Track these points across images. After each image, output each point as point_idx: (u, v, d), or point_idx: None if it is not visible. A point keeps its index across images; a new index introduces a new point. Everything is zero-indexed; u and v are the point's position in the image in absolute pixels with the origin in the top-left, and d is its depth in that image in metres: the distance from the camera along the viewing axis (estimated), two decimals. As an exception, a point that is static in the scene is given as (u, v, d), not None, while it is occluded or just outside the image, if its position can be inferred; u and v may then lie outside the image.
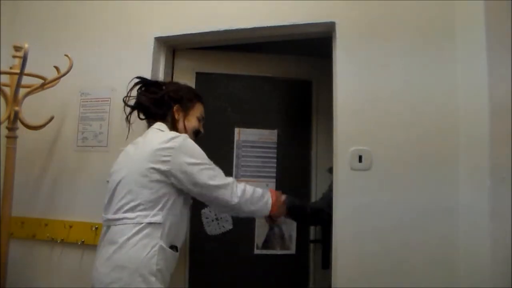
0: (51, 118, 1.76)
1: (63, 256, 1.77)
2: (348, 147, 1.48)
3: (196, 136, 1.47)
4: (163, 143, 1.27)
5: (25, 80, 1.60)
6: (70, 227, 1.74)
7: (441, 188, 1.39)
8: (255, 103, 2.07)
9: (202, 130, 1.51)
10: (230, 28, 1.67)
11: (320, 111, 2.08)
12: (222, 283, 1.96)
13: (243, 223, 1.95)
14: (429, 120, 1.42)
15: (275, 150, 2.03)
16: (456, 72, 1.41)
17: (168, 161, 1.25)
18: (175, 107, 1.43)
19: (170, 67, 1.93)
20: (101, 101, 1.80)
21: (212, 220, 1.51)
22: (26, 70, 1.54)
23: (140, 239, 1.21)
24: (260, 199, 1.39)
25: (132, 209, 1.24)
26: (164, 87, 1.47)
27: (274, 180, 2.00)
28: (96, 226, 1.68)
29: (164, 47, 1.84)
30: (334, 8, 1.56)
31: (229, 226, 1.53)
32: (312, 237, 2.02)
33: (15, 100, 1.63)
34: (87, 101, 1.82)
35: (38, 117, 1.75)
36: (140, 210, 1.24)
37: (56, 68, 1.72)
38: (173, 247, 1.30)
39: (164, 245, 1.24)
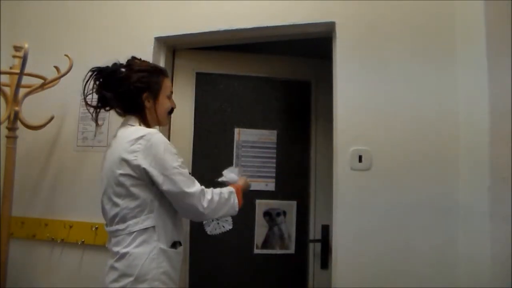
0: (51, 118, 1.76)
1: (63, 256, 1.77)
2: (348, 147, 1.48)
3: (170, 113, 1.42)
4: (129, 145, 1.20)
5: (25, 80, 1.60)
6: (70, 227, 1.74)
7: (441, 188, 1.39)
8: (255, 104, 2.07)
9: (174, 105, 1.42)
10: (230, 28, 1.67)
11: (319, 112, 2.08)
12: (222, 283, 1.97)
13: (243, 223, 1.96)
14: (429, 120, 1.43)
15: (275, 150, 2.03)
16: (456, 72, 1.41)
17: (136, 165, 1.19)
18: (144, 96, 1.31)
19: (170, 67, 1.93)
20: (101, 101, 1.79)
21: (212, 220, 1.50)
22: (26, 70, 1.54)
23: (135, 247, 1.20)
24: (226, 203, 1.34)
25: (122, 220, 1.22)
26: (125, 75, 1.31)
27: (274, 180, 2.01)
28: (96, 226, 1.68)
29: (164, 47, 1.84)
30: (334, 8, 1.56)
31: (229, 226, 1.52)
32: (311, 237, 2.02)
33: (15, 100, 1.63)
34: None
35: (38, 117, 1.75)
36: (130, 219, 1.21)
37: (56, 68, 1.72)
38: (175, 243, 1.28)
39: (163, 247, 1.22)
